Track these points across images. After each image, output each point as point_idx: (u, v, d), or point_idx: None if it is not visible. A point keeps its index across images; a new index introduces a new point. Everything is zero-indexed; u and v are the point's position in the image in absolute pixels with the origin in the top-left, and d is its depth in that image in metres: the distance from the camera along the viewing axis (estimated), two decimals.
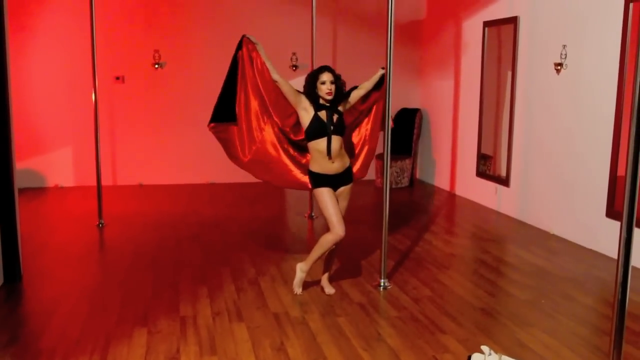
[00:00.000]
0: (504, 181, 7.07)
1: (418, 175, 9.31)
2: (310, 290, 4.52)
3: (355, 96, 4.49)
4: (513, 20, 6.77)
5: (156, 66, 8.38)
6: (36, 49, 8.18)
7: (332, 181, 4.30)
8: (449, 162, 8.43)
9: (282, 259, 5.28)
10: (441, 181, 8.70)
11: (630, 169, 2.38)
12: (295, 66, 8.64)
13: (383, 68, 4.52)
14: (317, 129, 4.23)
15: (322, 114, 4.25)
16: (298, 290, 4.45)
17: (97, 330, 3.80)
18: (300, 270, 4.42)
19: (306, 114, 4.28)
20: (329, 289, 4.48)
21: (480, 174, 7.63)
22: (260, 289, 4.56)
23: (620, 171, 5.14)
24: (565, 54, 5.85)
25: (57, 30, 8.17)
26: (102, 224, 6.33)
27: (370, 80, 4.55)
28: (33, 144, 8.25)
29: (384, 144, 4.52)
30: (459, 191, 8.19)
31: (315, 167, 4.31)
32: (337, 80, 4.27)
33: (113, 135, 8.46)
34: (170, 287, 4.58)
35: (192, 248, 5.65)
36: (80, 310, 4.14)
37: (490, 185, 7.36)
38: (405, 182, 8.67)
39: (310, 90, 4.27)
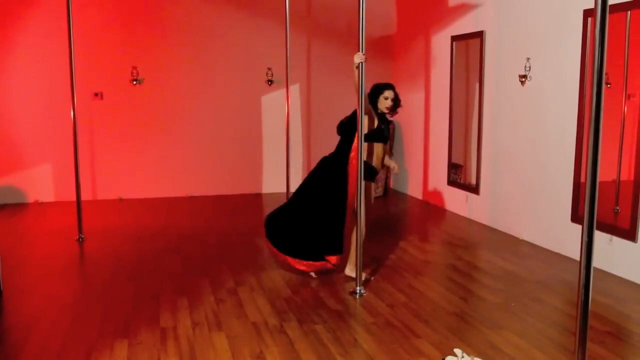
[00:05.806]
0: (474, 189, 7.25)
1: (392, 184, 9.47)
2: (288, 299, 4.62)
3: None
4: (479, 35, 6.99)
5: (134, 82, 8.43)
6: (15, 67, 8.18)
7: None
8: (422, 172, 8.61)
9: (261, 269, 5.35)
10: (414, 190, 8.87)
11: (590, 175, 2.52)
12: (271, 81, 8.76)
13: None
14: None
15: None
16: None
17: (78, 343, 3.82)
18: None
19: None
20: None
21: (451, 182, 7.81)
22: (239, 298, 4.63)
23: (584, 178, 5.32)
24: (529, 67, 6.07)
25: (35, 47, 8.18)
26: (82, 238, 6.34)
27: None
28: (13, 160, 8.24)
29: (358, 155, 4.67)
30: (431, 199, 8.37)
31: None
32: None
33: (92, 151, 8.48)
34: (150, 299, 4.62)
35: (172, 260, 5.68)
36: (61, 323, 4.16)
37: (461, 193, 7.54)
38: (379, 191, 8.82)
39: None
